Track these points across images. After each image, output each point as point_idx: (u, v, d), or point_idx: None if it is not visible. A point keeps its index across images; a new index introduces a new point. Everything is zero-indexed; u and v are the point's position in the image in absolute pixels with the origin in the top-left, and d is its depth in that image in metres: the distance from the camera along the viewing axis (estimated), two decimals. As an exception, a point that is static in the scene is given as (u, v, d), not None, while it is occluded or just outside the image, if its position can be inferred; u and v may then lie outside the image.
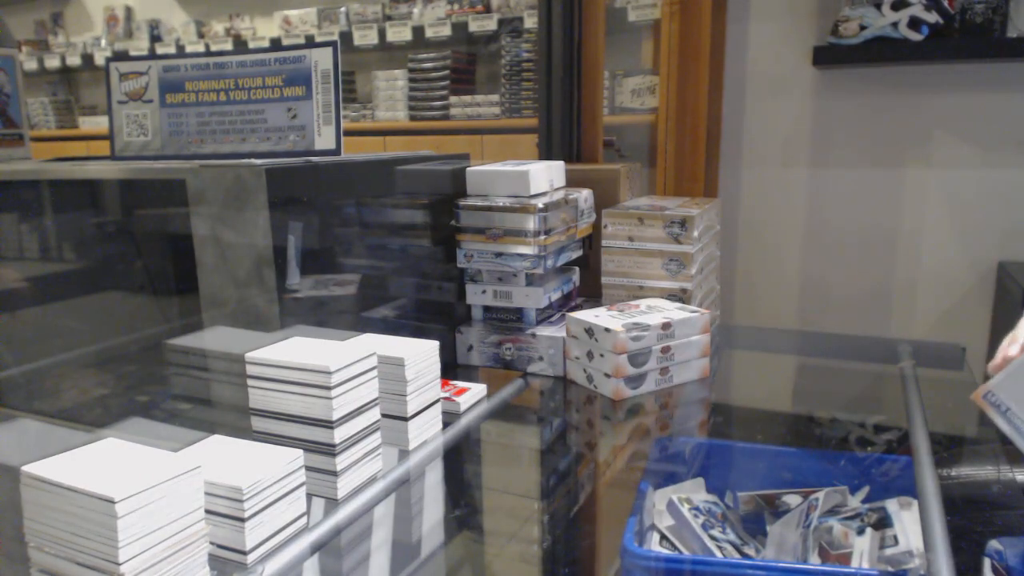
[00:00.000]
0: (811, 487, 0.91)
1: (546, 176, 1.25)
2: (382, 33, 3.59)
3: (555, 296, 1.27)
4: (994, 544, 0.74)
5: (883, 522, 0.83)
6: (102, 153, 1.25)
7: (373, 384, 0.81)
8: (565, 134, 1.72)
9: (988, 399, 0.69)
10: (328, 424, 0.76)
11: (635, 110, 2.89)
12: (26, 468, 0.58)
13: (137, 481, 0.56)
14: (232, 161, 0.98)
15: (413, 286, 1.26)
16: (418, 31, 3.51)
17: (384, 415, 0.87)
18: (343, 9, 3.70)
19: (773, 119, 2.27)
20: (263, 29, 4.10)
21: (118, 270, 1.16)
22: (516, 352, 1.22)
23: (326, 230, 1.08)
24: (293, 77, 1.07)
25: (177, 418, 1.01)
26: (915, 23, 1.94)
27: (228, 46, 4.04)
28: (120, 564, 0.55)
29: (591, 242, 1.39)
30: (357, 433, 0.79)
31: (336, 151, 1.06)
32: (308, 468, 0.75)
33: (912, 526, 0.81)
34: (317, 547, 0.72)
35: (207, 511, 0.62)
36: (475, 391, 1.06)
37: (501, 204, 1.17)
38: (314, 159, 1.05)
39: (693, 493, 0.94)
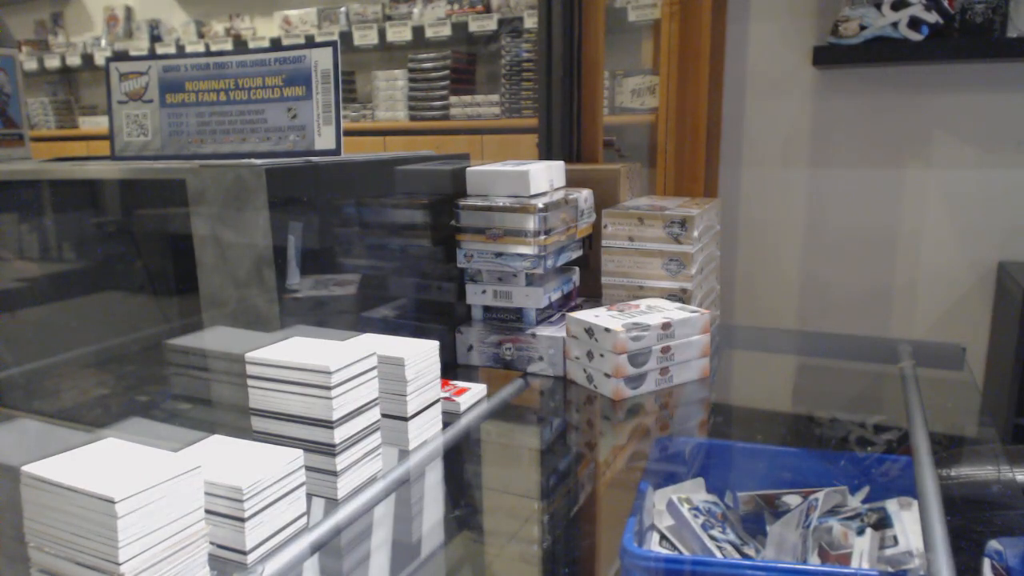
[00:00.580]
0: (811, 487, 0.91)
1: (546, 176, 1.25)
2: (382, 33, 3.59)
3: (555, 296, 1.27)
4: (994, 544, 0.74)
5: (883, 522, 0.83)
6: (102, 153, 1.25)
7: (373, 384, 0.81)
8: (565, 134, 1.72)
9: None
10: (328, 424, 0.76)
11: (635, 110, 2.89)
12: (26, 468, 0.58)
13: (137, 481, 0.56)
14: (232, 161, 0.98)
15: (413, 286, 1.26)
16: (418, 31, 3.51)
17: (384, 415, 0.87)
18: (343, 9, 3.70)
19: (773, 119, 2.27)
20: (263, 29, 4.10)
21: (118, 270, 1.16)
22: (516, 352, 1.22)
23: (326, 230, 1.08)
24: (293, 77, 1.07)
25: (177, 418, 1.01)
26: (915, 23, 1.94)
27: (228, 46, 4.04)
28: (120, 564, 0.55)
29: (591, 242, 1.39)
30: (357, 433, 0.79)
31: (336, 151, 1.06)
32: (308, 468, 0.75)
33: (912, 526, 0.81)
34: (317, 547, 0.72)
35: (207, 511, 0.62)
36: (475, 391, 1.06)
37: (501, 204, 1.17)
38: (314, 159, 1.05)
39: (693, 493, 0.94)
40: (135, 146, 1.16)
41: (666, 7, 1.97)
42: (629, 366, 1.09)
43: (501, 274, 1.22)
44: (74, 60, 4.54)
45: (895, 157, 2.15)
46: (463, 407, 1.03)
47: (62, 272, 1.21)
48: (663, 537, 0.87)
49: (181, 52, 4.14)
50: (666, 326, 1.11)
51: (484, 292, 1.24)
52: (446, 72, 3.44)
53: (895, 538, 0.80)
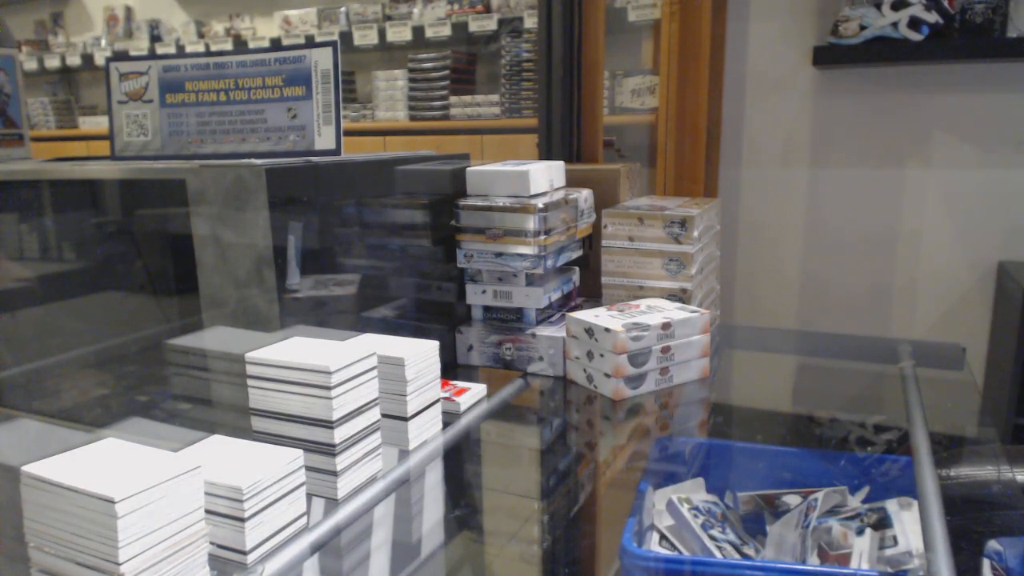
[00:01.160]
0: (811, 487, 0.91)
1: (546, 176, 1.25)
2: (382, 33, 3.59)
3: (555, 296, 1.27)
4: (993, 545, 0.74)
5: (883, 522, 0.83)
6: (102, 153, 1.25)
7: (373, 384, 0.81)
8: (565, 134, 1.72)
9: None
10: (328, 424, 0.76)
11: (635, 110, 2.89)
12: (26, 468, 0.58)
13: (137, 481, 0.56)
14: (232, 161, 0.98)
15: (413, 286, 1.26)
16: (418, 31, 3.51)
17: (384, 415, 0.87)
18: (343, 9, 3.70)
19: (773, 119, 2.27)
20: (263, 29, 4.10)
21: (118, 270, 1.16)
22: (516, 352, 1.22)
23: (326, 230, 1.08)
24: (293, 77, 1.07)
25: (177, 418, 1.01)
26: (915, 23, 1.94)
27: (228, 46, 4.04)
28: (120, 564, 0.55)
29: (591, 242, 1.39)
30: (357, 433, 0.79)
31: (336, 151, 1.06)
32: (308, 468, 0.75)
33: (912, 526, 0.81)
34: (317, 547, 0.72)
35: (207, 511, 0.62)
36: (475, 391, 1.06)
37: (501, 204, 1.17)
38: (314, 159, 1.05)
39: (693, 493, 0.94)
40: (135, 146, 1.16)
41: (666, 7, 1.97)
42: (629, 366, 1.09)
43: (501, 274, 1.22)
44: (74, 60, 4.54)
45: (895, 157, 2.15)
46: (463, 407, 1.03)
47: (62, 272, 1.21)
48: (663, 537, 0.87)
49: (181, 52, 4.14)
50: (666, 326, 1.11)
51: (484, 292, 1.24)
52: (446, 72, 3.44)
53: (895, 538, 0.80)
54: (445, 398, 1.01)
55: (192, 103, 1.12)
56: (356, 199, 1.16)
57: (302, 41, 3.69)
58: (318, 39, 3.69)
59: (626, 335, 1.08)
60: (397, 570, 0.74)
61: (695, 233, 1.22)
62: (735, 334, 1.68)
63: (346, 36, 3.66)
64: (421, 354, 0.89)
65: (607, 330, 1.08)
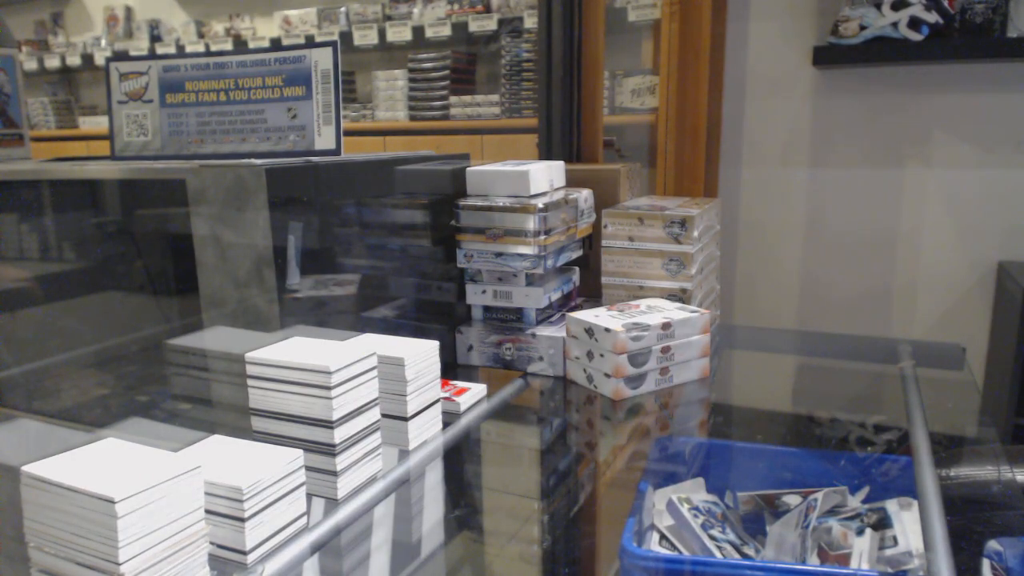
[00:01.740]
0: (811, 487, 0.91)
1: (546, 176, 1.25)
2: (382, 33, 3.59)
3: (555, 296, 1.27)
4: (993, 545, 0.74)
5: (883, 522, 0.83)
6: (102, 153, 1.25)
7: (373, 384, 0.81)
8: (565, 134, 1.72)
9: None
10: (328, 424, 0.76)
11: (635, 110, 2.89)
12: (26, 468, 0.58)
13: (137, 481, 0.56)
14: (232, 161, 0.98)
15: (413, 286, 1.26)
16: (418, 31, 3.51)
17: (384, 415, 0.87)
18: (343, 9, 3.70)
19: (773, 119, 2.27)
20: (263, 29, 4.10)
21: (118, 270, 1.16)
22: (516, 352, 1.22)
23: (326, 230, 1.08)
24: (293, 77, 1.07)
25: (177, 418, 1.01)
26: (915, 23, 1.94)
27: (228, 46, 4.04)
28: (120, 564, 0.55)
29: (591, 242, 1.39)
30: (357, 433, 0.79)
31: (336, 151, 1.06)
32: (308, 468, 0.75)
33: (912, 526, 0.81)
34: (317, 547, 0.72)
35: (207, 511, 0.62)
36: (475, 391, 1.06)
37: (501, 204, 1.17)
38: (314, 159, 1.05)
39: (693, 493, 0.94)
40: (135, 146, 1.16)
41: (666, 7, 1.97)
42: (629, 366, 1.09)
43: (501, 274, 1.22)
44: (74, 60, 4.54)
45: (895, 157, 2.15)
46: (463, 407, 1.03)
47: (62, 272, 1.21)
48: (663, 537, 0.87)
49: (181, 52, 4.14)
50: (666, 326, 1.11)
51: (484, 292, 1.24)
52: (446, 72, 3.44)
53: (895, 538, 0.80)
54: (445, 398, 1.01)
55: (192, 103, 1.12)
56: (356, 199, 1.16)
57: (302, 41, 3.69)
58: (318, 39, 3.69)
59: (626, 335, 1.08)
60: (397, 570, 0.74)
61: (695, 233, 1.22)
62: (735, 334, 1.68)
63: (346, 36, 3.66)
64: (421, 354, 0.89)
65: (607, 330, 1.08)
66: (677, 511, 0.88)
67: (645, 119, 2.53)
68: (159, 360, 1.07)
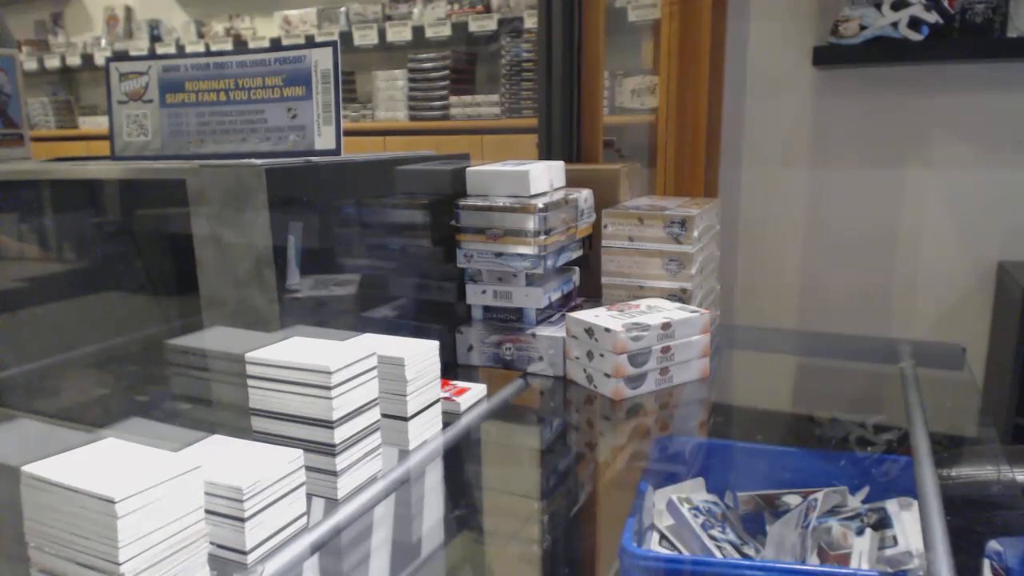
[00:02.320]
0: (811, 487, 0.91)
1: (546, 176, 1.25)
2: (382, 33, 3.59)
3: (555, 296, 1.27)
4: (994, 545, 0.74)
5: (883, 522, 0.83)
6: (102, 153, 1.25)
7: (373, 384, 0.81)
8: (565, 134, 1.72)
9: None
10: (328, 424, 0.76)
11: (635, 110, 2.89)
12: (26, 468, 0.58)
13: (137, 481, 0.56)
14: (232, 161, 0.98)
15: (413, 286, 1.26)
16: (418, 31, 3.51)
17: (384, 415, 0.87)
18: (343, 9, 3.70)
19: (773, 119, 2.27)
20: (263, 29, 4.10)
21: (118, 270, 1.16)
22: (516, 352, 1.22)
23: (326, 230, 1.08)
24: (293, 77, 1.07)
25: (177, 418, 1.01)
26: (915, 23, 1.94)
27: (228, 46, 4.04)
28: (120, 564, 0.55)
29: (591, 242, 1.39)
30: (357, 433, 0.79)
31: (336, 151, 1.06)
32: (308, 468, 0.75)
33: (912, 526, 0.81)
34: (317, 547, 0.72)
35: (207, 511, 0.62)
36: (475, 391, 1.06)
37: (501, 204, 1.17)
38: (314, 159, 1.05)
39: (693, 493, 0.94)
40: (135, 146, 1.16)
41: (666, 7, 1.97)
42: (629, 366, 1.09)
43: (501, 274, 1.22)
44: (74, 60, 4.55)
45: (895, 157, 2.15)
46: (463, 407, 1.03)
47: (62, 272, 1.21)
48: (663, 537, 0.87)
49: (181, 52, 4.14)
50: (666, 326, 1.11)
51: (484, 292, 1.24)
52: (446, 72, 3.44)
53: (895, 538, 0.80)
54: (445, 398, 1.01)
55: (192, 103, 1.12)
56: (356, 199, 1.16)
57: (302, 41, 3.69)
58: (318, 39, 3.69)
59: (626, 335, 1.08)
60: (397, 570, 0.74)
61: (695, 233, 1.22)
62: (735, 334, 1.68)
63: (346, 36, 3.66)
64: (421, 354, 0.89)
65: (607, 330, 1.08)
66: (677, 511, 0.88)
67: (645, 119, 2.53)
68: (159, 360, 1.07)
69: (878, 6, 1.98)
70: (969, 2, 1.94)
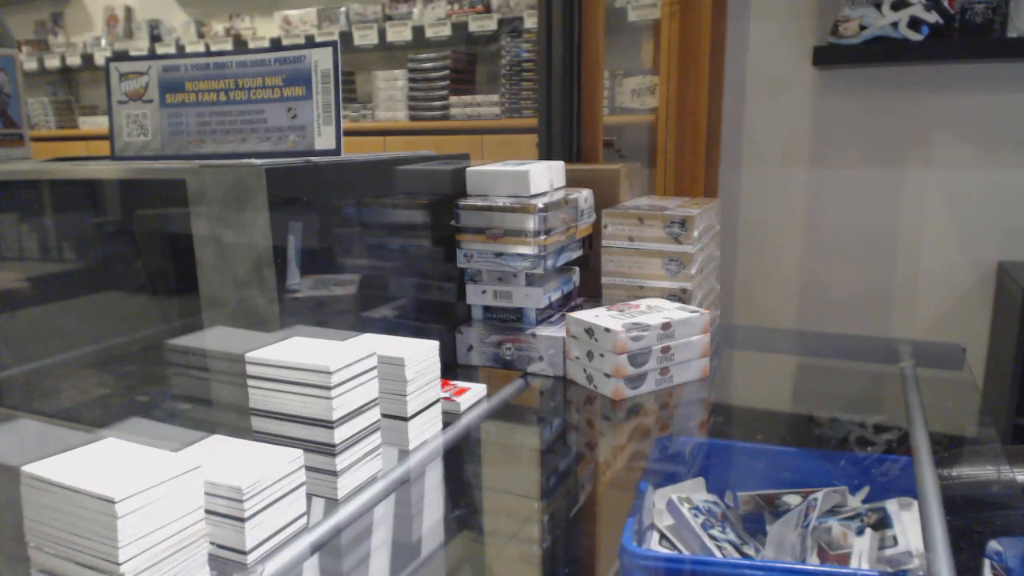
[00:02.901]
0: (811, 487, 0.91)
1: (546, 176, 1.25)
2: (382, 33, 3.59)
3: (555, 296, 1.27)
4: (994, 545, 0.74)
5: (883, 522, 0.83)
6: (102, 153, 1.25)
7: (373, 384, 0.81)
8: (565, 134, 1.72)
9: None
10: (328, 424, 0.76)
11: (635, 110, 2.89)
12: (26, 468, 0.58)
13: (137, 481, 0.56)
14: (232, 161, 0.98)
15: (413, 286, 1.26)
16: (418, 31, 3.51)
17: (384, 415, 0.87)
18: (343, 9, 3.70)
19: (773, 119, 2.27)
20: (263, 29, 4.10)
21: (118, 270, 1.16)
22: (516, 352, 1.22)
23: (326, 230, 1.08)
24: (293, 77, 1.07)
25: (177, 418, 1.01)
26: (915, 23, 1.94)
27: (228, 46, 4.04)
28: (120, 564, 0.55)
29: (591, 242, 1.39)
30: (357, 433, 0.79)
31: (336, 151, 1.06)
32: (308, 468, 0.75)
33: (912, 526, 0.81)
34: (317, 547, 0.72)
35: (207, 511, 0.62)
36: (475, 391, 1.06)
37: (501, 204, 1.17)
38: (314, 159, 1.05)
39: (693, 493, 0.94)
40: (135, 146, 1.16)
41: (666, 7, 1.97)
42: (629, 366, 1.09)
43: (501, 274, 1.22)
44: (74, 60, 4.54)
45: (895, 157, 2.15)
46: (463, 407, 1.03)
47: (62, 272, 1.21)
48: (663, 536, 0.87)
49: (181, 52, 4.14)
50: (666, 326, 1.11)
51: (484, 292, 1.24)
52: (446, 72, 3.44)
53: (895, 538, 0.80)
54: (445, 398, 1.01)
55: (192, 103, 1.12)
56: (356, 199, 1.16)
57: (302, 41, 3.69)
58: (318, 39, 3.69)
59: (626, 335, 1.08)
60: (397, 570, 0.74)
61: (695, 233, 1.22)
62: (735, 334, 1.68)
63: (346, 36, 3.66)
64: (421, 354, 0.89)
65: (607, 330, 1.08)
66: (677, 511, 0.88)
67: (645, 119, 2.53)
68: (159, 360, 1.07)
69: (878, 6, 1.98)
70: (969, 2, 1.94)
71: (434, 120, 3.48)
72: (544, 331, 1.21)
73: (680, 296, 1.24)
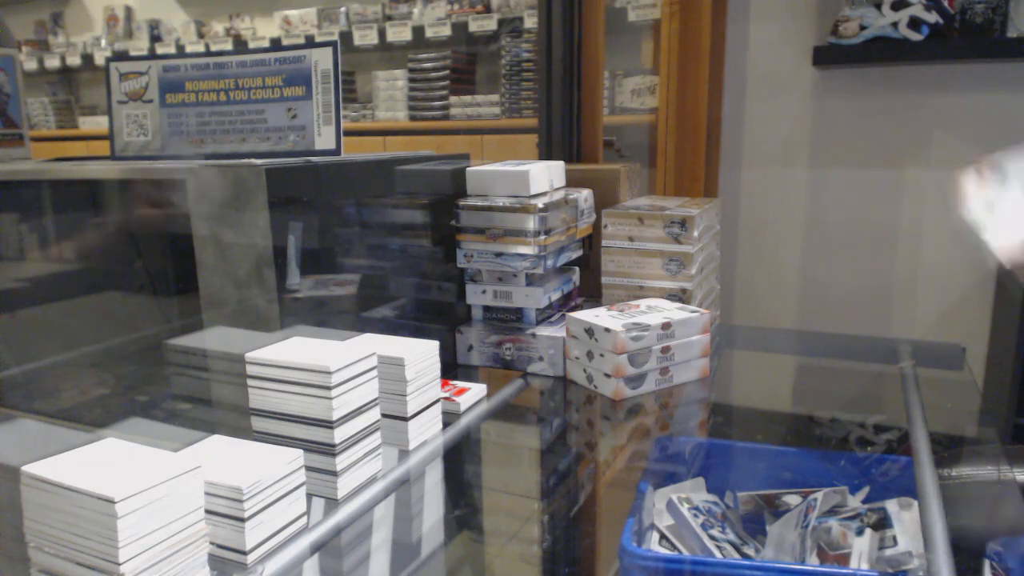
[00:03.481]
0: (811, 487, 0.91)
1: (546, 176, 1.25)
2: (382, 33, 3.59)
3: (555, 296, 1.27)
4: (994, 545, 0.74)
5: (882, 522, 0.83)
6: (102, 153, 1.25)
7: (373, 384, 0.81)
8: (565, 134, 1.72)
9: None
10: (328, 424, 0.76)
11: (635, 110, 2.89)
12: (26, 468, 0.58)
13: (137, 481, 0.56)
14: (232, 161, 0.98)
15: (413, 286, 1.26)
16: (418, 31, 3.51)
17: (384, 415, 0.87)
18: (343, 9, 3.70)
19: (773, 119, 2.27)
20: (263, 29, 4.10)
21: (118, 270, 1.16)
22: (516, 352, 1.22)
23: (326, 230, 1.08)
24: (293, 77, 1.07)
25: (177, 418, 1.01)
26: (915, 23, 1.94)
27: (228, 46, 4.04)
28: (120, 564, 0.55)
29: (591, 242, 1.39)
30: (357, 433, 0.79)
31: (336, 151, 1.06)
32: (308, 468, 0.75)
33: (912, 526, 0.81)
34: (317, 547, 0.72)
35: (207, 511, 0.62)
36: (475, 391, 1.06)
37: (501, 204, 1.17)
38: (314, 159, 1.05)
39: (693, 493, 0.94)
40: (135, 146, 1.16)
41: (666, 7, 1.97)
42: (629, 366, 1.09)
43: (501, 274, 1.22)
44: (74, 60, 4.54)
45: (895, 157, 2.15)
46: (463, 407, 1.03)
47: (62, 272, 1.21)
48: (663, 537, 0.87)
49: (181, 52, 4.14)
50: (666, 326, 1.11)
51: (484, 292, 1.24)
52: (446, 72, 3.44)
53: (894, 538, 0.80)
54: (445, 398, 1.01)
55: (192, 103, 1.12)
56: (356, 199, 1.16)
57: (302, 41, 3.68)
58: (318, 39, 3.69)
59: (626, 335, 1.08)
60: (397, 570, 0.74)
61: (695, 233, 1.22)
62: (735, 334, 1.68)
63: (346, 36, 3.66)
64: (421, 354, 0.89)
65: (607, 330, 1.08)
66: (677, 511, 0.88)
67: (645, 119, 2.53)
68: (159, 360, 1.07)
69: (878, 6, 1.98)
70: (969, 2, 1.94)
71: (434, 120, 3.48)
72: (544, 331, 1.21)
73: (680, 296, 1.24)
